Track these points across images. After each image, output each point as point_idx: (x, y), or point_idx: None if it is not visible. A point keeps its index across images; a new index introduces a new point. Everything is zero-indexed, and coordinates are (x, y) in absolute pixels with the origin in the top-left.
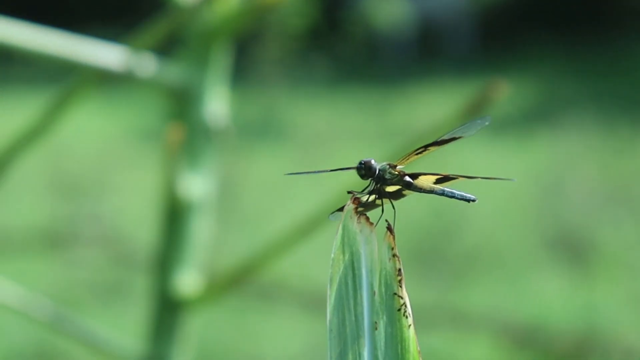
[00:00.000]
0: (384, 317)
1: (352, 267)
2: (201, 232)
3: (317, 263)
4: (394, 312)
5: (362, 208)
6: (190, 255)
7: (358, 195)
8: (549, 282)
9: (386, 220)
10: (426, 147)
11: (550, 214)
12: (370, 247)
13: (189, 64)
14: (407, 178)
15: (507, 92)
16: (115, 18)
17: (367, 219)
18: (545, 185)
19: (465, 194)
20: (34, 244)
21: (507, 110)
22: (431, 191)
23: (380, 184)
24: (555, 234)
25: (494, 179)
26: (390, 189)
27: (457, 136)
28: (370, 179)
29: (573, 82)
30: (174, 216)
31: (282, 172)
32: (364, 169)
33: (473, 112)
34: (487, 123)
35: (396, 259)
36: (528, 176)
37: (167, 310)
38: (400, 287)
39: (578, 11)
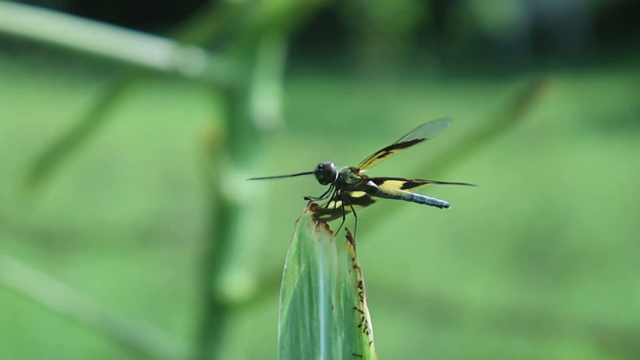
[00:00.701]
0: (343, 334)
1: (309, 279)
2: (250, 232)
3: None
4: (354, 328)
5: (327, 215)
6: (238, 256)
7: (316, 202)
8: None
9: (346, 229)
10: (388, 149)
11: None
12: (329, 257)
13: (238, 60)
14: (371, 183)
15: (556, 90)
16: (163, 13)
17: (327, 227)
18: None
19: (436, 200)
20: (136, 240)
21: (620, 109)
22: (398, 197)
23: (342, 189)
24: None
25: (460, 184)
26: (356, 194)
27: (419, 138)
28: (330, 183)
29: None
30: (222, 217)
31: (390, 171)
32: (323, 173)
33: (520, 111)
34: (449, 124)
35: (357, 270)
36: (638, 176)
37: (215, 312)
38: (361, 301)
39: None
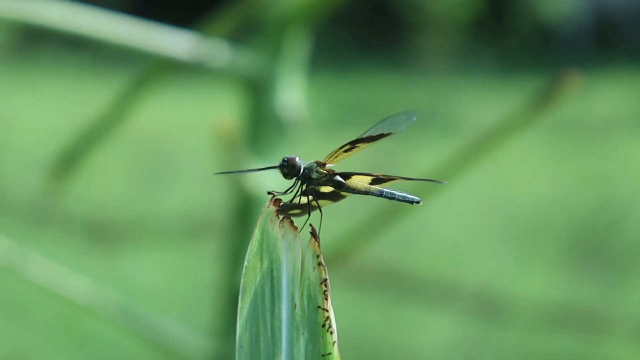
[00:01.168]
0: (305, 333)
1: (271, 277)
2: None
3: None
4: (317, 328)
5: (292, 211)
6: None
7: (279, 196)
8: None
9: (310, 225)
10: (354, 143)
11: None
12: (293, 254)
13: (262, 52)
14: (338, 178)
15: (580, 85)
16: (187, 4)
17: (291, 222)
18: None
19: (407, 195)
20: (188, 232)
21: None
22: (367, 192)
23: (307, 183)
24: None
25: (427, 180)
26: (324, 189)
27: (385, 132)
28: (294, 178)
29: None
30: (245, 211)
31: (446, 163)
32: (287, 167)
33: (544, 106)
34: (414, 118)
35: (322, 268)
36: None
37: (236, 308)
38: (326, 299)
39: None
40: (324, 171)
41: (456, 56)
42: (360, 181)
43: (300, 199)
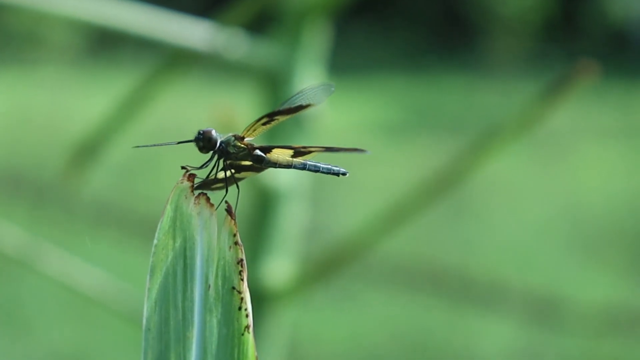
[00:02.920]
0: (219, 315)
1: (184, 256)
2: (292, 220)
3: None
4: (232, 311)
5: (212, 186)
6: (280, 244)
7: (193, 171)
8: None
9: (226, 202)
10: (272, 116)
11: None
12: (209, 232)
13: (281, 43)
14: (258, 152)
15: (597, 74)
16: None
17: (208, 199)
18: None
19: (332, 167)
20: None
21: None
22: (289, 165)
23: (224, 158)
24: None
25: (350, 150)
26: (243, 164)
27: (304, 104)
28: (211, 151)
29: None
30: (262, 205)
31: (514, 168)
32: (203, 141)
33: (560, 94)
34: (332, 89)
35: (238, 247)
36: None
37: (256, 302)
38: (242, 281)
39: None
40: (243, 145)
41: (527, 59)
42: (281, 154)
43: (217, 174)
